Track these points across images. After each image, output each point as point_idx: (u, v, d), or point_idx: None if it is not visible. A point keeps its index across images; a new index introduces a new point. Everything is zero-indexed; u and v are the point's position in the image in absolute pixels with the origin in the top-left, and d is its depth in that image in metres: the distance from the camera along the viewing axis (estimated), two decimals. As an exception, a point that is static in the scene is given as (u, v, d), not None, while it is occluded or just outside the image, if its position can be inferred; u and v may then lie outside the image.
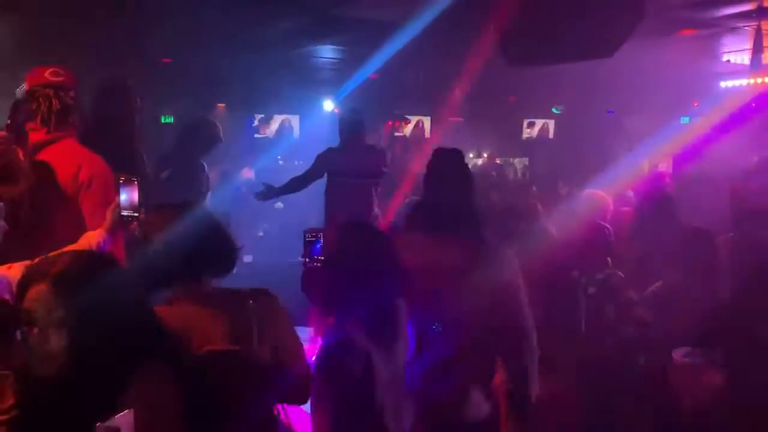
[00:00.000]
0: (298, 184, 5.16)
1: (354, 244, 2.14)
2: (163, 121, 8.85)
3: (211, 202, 5.03)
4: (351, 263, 2.08)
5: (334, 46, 7.62)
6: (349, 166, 4.90)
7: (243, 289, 1.98)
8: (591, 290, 3.42)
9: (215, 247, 1.96)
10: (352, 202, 4.79)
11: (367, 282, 2.04)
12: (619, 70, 7.17)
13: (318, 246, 2.21)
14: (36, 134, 2.73)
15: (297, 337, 2.02)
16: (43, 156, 2.72)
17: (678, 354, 2.09)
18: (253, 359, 1.84)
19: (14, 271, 2.14)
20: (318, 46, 7.55)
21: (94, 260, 1.68)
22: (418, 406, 2.25)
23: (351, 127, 5.02)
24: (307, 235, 2.29)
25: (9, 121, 2.86)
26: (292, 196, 5.86)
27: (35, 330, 1.50)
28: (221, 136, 5.01)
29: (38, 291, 1.53)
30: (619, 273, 3.55)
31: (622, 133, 8.82)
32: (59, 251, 1.73)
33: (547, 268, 3.26)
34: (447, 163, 2.54)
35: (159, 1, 5.30)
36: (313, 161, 5.13)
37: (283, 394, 1.95)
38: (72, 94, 2.78)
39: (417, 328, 2.33)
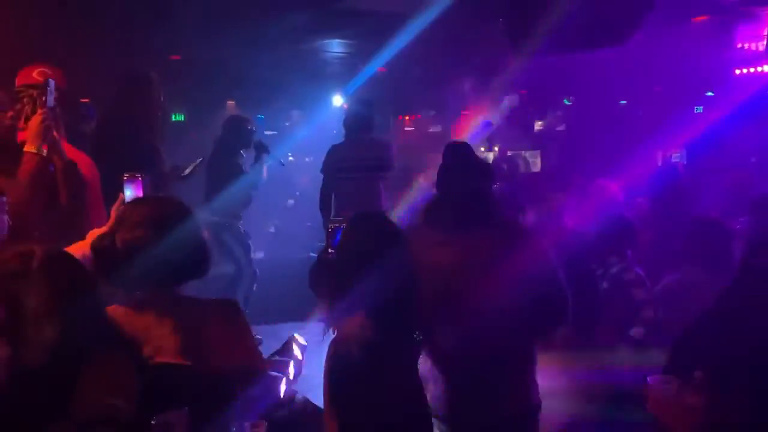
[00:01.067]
0: (327, 197, 5.06)
1: (362, 234, 2.11)
2: (174, 119, 8.88)
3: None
4: (358, 254, 2.05)
5: (342, 40, 7.59)
6: (355, 160, 4.87)
7: (207, 299, 1.95)
8: (605, 285, 3.37)
9: (188, 253, 1.92)
10: (359, 196, 4.75)
11: (374, 273, 2.00)
12: (631, 60, 7.08)
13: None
14: (22, 133, 2.74)
15: (258, 354, 2.03)
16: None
17: (653, 380, 2.03)
18: (203, 375, 1.82)
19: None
20: (326, 41, 7.52)
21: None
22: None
23: (355, 119, 4.99)
24: (330, 225, 2.29)
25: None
26: (302, 193, 5.93)
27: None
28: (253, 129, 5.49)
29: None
30: (636, 270, 3.48)
31: (635, 123, 8.72)
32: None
33: (565, 260, 3.22)
34: (460, 155, 2.49)
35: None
36: (322, 164, 5.08)
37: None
38: (56, 95, 2.77)
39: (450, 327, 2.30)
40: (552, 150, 10.86)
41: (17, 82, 2.86)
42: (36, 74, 2.83)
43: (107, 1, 5.14)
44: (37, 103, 2.70)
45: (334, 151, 4.99)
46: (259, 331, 5.19)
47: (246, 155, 5.53)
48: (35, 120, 2.57)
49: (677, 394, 2.02)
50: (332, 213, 5.00)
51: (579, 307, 2.96)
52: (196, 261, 1.96)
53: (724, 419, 1.91)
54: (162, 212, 1.94)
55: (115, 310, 1.87)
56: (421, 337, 2.15)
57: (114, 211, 2.42)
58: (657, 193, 4.91)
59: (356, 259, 2.04)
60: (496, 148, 11.08)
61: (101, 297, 1.73)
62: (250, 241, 5.59)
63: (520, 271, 2.27)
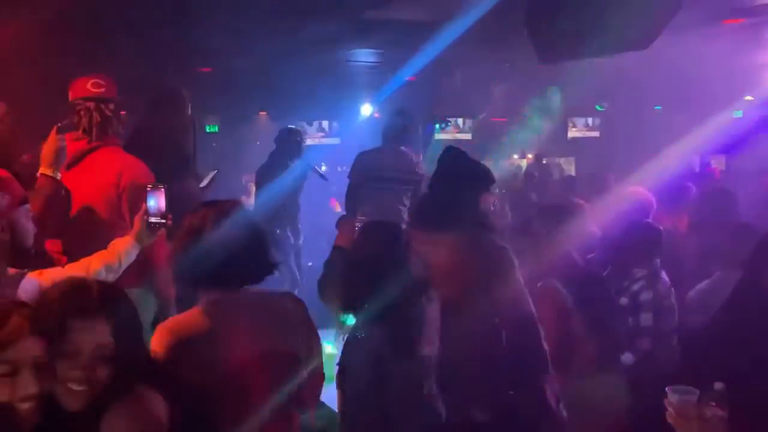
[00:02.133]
0: (352, 204, 5.01)
1: (372, 242, 2.11)
2: (208, 130, 9.07)
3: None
4: (369, 262, 2.05)
5: (371, 50, 7.63)
6: (383, 170, 4.84)
7: (272, 291, 1.98)
8: (623, 300, 3.30)
9: (255, 255, 1.94)
10: (384, 206, 4.71)
11: (384, 282, 2.00)
12: (665, 65, 6.94)
13: None
14: (78, 144, 2.84)
15: (319, 341, 2.02)
16: (85, 164, 2.84)
17: (673, 391, 1.97)
18: (282, 362, 1.85)
19: (45, 276, 2.20)
20: (355, 50, 7.57)
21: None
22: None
23: (389, 129, 4.98)
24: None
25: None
26: (323, 204, 6.05)
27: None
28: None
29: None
30: (663, 279, 3.40)
31: (672, 129, 8.55)
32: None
33: (587, 270, 3.16)
34: (445, 161, 2.52)
35: (197, 12, 5.40)
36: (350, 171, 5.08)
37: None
38: (111, 105, 2.87)
39: None
40: (587, 156, 10.72)
41: (71, 95, 2.95)
42: (90, 86, 2.91)
43: (141, 16, 5.26)
44: (87, 120, 2.80)
45: (363, 158, 4.98)
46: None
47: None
48: (50, 143, 2.63)
49: (698, 405, 1.96)
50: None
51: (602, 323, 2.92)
52: (262, 259, 1.98)
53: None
54: (230, 212, 1.96)
55: (192, 315, 1.90)
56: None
57: (137, 220, 2.48)
58: (697, 200, 4.81)
59: (366, 267, 2.05)
60: (530, 155, 10.99)
61: (145, 334, 1.71)
62: (291, 249, 5.69)
63: (490, 286, 2.25)
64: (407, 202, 4.84)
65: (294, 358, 1.89)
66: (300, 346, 1.91)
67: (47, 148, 2.62)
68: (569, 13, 3.30)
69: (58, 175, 2.63)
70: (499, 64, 8.12)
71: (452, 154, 2.63)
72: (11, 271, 2.11)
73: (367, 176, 4.87)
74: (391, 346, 1.98)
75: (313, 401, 2.04)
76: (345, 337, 2.06)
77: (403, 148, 4.92)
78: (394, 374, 1.98)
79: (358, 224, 2.34)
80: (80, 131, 2.89)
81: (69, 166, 2.83)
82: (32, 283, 2.12)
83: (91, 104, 2.87)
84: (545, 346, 2.41)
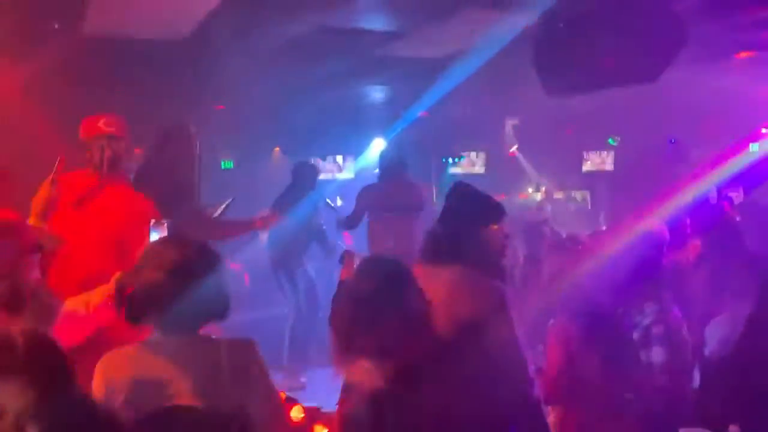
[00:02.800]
0: (350, 222, 5.35)
1: (371, 279, 2.06)
2: (223, 166, 9.16)
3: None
4: (366, 298, 2.00)
5: (382, 86, 7.71)
6: (388, 201, 5.03)
7: (222, 339, 1.94)
8: (635, 335, 3.22)
9: (206, 298, 1.90)
10: (393, 236, 4.84)
11: (381, 318, 1.95)
12: (680, 98, 6.92)
13: None
14: (89, 180, 2.87)
15: (274, 393, 1.98)
16: (96, 200, 2.87)
17: None
18: (218, 416, 1.79)
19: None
20: (366, 86, 7.65)
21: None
22: None
23: (388, 162, 5.19)
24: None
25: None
26: (336, 237, 6.11)
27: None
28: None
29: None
30: (669, 320, 3.32)
31: (687, 162, 8.47)
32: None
33: (600, 308, 3.10)
34: (452, 196, 2.56)
35: (212, 51, 5.51)
36: (355, 204, 5.29)
37: None
38: (122, 143, 2.92)
39: None
40: (602, 189, 10.64)
41: (82, 133, 3.01)
42: (102, 124, 2.98)
43: (154, 56, 5.38)
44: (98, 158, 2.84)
45: (367, 192, 5.16)
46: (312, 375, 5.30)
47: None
48: (41, 193, 2.64)
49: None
50: (368, 249, 5.16)
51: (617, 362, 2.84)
52: (214, 306, 1.95)
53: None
54: (179, 255, 1.94)
55: (128, 352, 1.89)
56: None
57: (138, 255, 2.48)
58: (708, 233, 4.75)
59: (366, 302, 2.00)
60: (543, 189, 10.94)
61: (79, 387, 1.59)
62: (303, 281, 5.71)
63: (462, 323, 2.20)
64: (417, 229, 4.95)
65: (222, 412, 1.81)
66: (233, 399, 1.83)
67: (37, 198, 2.64)
68: (575, 48, 3.31)
69: (45, 226, 2.64)
70: (512, 98, 8.15)
71: (459, 188, 2.64)
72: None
73: (373, 208, 5.05)
74: (391, 386, 1.92)
75: None
76: (344, 376, 2.00)
77: (405, 179, 5.17)
78: (394, 415, 1.92)
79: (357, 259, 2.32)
80: (91, 168, 2.94)
81: (79, 203, 2.86)
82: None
83: (103, 142, 2.92)
84: (532, 397, 2.36)
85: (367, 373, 1.94)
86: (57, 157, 2.91)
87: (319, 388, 4.13)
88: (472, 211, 2.46)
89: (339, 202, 9.23)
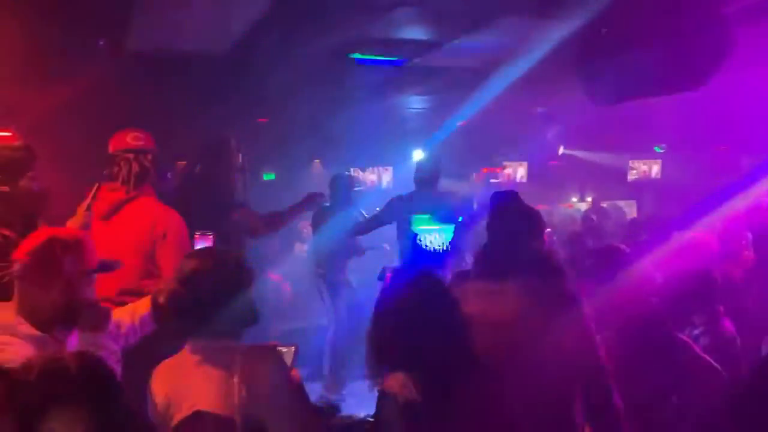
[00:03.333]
0: (365, 226, 5.38)
1: (404, 291, 2.01)
2: (264, 178, 9.27)
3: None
4: (398, 309, 1.97)
5: (422, 96, 7.69)
6: (418, 211, 4.95)
7: (241, 346, 1.95)
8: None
9: (235, 307, 1.93)
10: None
11: (417, 334, 1.91)
12: (731, 103, 6.71)
13: None
14: (116, 194, 2.92)
15: (297, 402, 1.98)
16: (123, 213, 2.91)
17: None
18: (237, 425, 1.81)
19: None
20: (406, 97, 7.65)
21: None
22: None
23: (421, 174, 5.14)
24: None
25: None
26: (375, 244, 6.10)
27: None
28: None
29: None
30: (718, 332, 3.19)
31: (737, 170, 8.21)
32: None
33: (642, 322, 3.01)
34: (505, 205, 2.44)
35: (252, 65, 5.59)
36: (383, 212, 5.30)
37: None
38: (149, 157, 2.97)
39: None
40: (649, 199, 10.40)
41: (111, 147, 3.07)
42: (130, 139, 3.03)
43: (198, 70, 5.48)
44: (126, 172, 2.90)
45: (398, 201, 5.12)
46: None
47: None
48: (77, 218, 2.72)
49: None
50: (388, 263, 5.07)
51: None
52: (241, 313, 1.97)
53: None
54: (209, 266, 1.97)
55: (169, 364, 1.96)
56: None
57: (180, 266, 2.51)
58: (761, 243, 4.58)
59: (399, 314, 1.97)
60: (589, 199, 10.74)
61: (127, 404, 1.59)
62: (344, 292, 5.74)
63: (552, 335, 2.12)
64: (448, 244, 4.91)
65: (226, 423, 1.83)
66: (237, 405, 1.85)
67: (73, 224, 2.72)
68: (620, 55, 3.23)
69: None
70: (554, 107, 8.04)
71: (505, 199, 2.53)
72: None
73: (404, 219, 4.98)
74: (425, 398, 1.87)
75: None
76: (378, 390, 1.97)
77: (439, 190, 5.11)
78: (428, 428, 1.89)
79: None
80: (119, 181, 2.98)
81: (107, 216, 2.91)
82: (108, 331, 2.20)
83: (131, 155, 2.97)
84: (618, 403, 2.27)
85: (401, 385, 1.90)
86: (97, 178, 2.98)
87: (359, 400, 4.12)
88: (524, 221, 2.39)
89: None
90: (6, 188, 2.58)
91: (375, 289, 2.24)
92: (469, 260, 6.10)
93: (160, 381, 1.95)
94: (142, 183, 2.97)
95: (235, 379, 1.86)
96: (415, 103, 7.98)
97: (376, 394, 1.97)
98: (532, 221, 2.41)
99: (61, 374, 1.45)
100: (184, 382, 1.90)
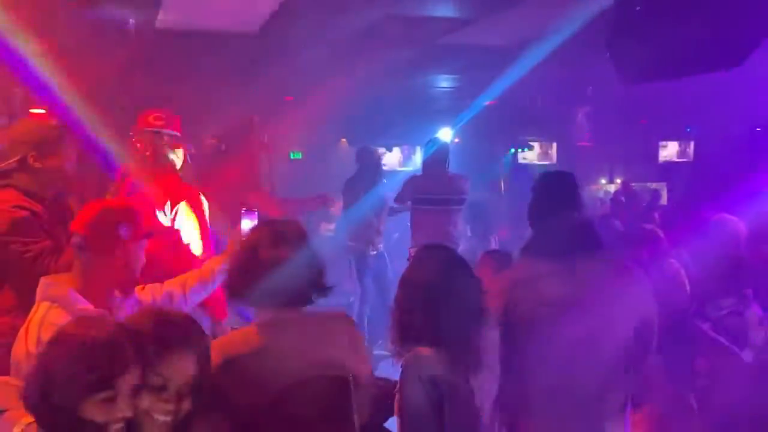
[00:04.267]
0: (397, 208, 5.60)
1: (429, 266, 2.07)
2: (292, 157, 9.31)
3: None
4: (425, 286, 2.02)
5: (449, 75, 7.61)
6: (433, 193, 5.16)
7: (324, 312, 1.98)
8: (706, 326, 3.07)
9: (309, 277, 1.94)
10: (435, 227, 5.03)
11: (442, 306, 1.97)
12: (763, 83, 6.52)
13: None
14: (137, 171, 2.97)
15: (368, 364, 2.03)
16: (142, 191, 2.96)
17: None
18: (330, 385, 1.84)
19: (145, 293, 2.31)
20: (434, 76, 7.58)
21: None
22: None
23: (433, 157, 5.31)
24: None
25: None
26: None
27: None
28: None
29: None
30: (746, 315, 3.15)
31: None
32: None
33: (667, 308, 2.98)
34: (559, 186, 2.44)
35: (280, 44, 5.58)
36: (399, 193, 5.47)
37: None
38: (165, 139, 3.02)
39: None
40: (680, 181, 10.21)
41: (137, 124, 3.13)
42: (151, 119, 3.09)
43: (227, 48, 5.49)
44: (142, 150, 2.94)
45: (412, 182, 5.30)
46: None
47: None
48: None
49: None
50: (411, 239, 5.32)
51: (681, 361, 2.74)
52: (320, 278, 1.98)
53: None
54: (291, 231, 1.99)
55: (245, 333, 1.92)
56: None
57: (231, 240, 2.55)
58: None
59: (423, 291, 2.02)
60: (618, 180, 10.58)
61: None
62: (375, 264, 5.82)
63: (624, 309, 2.19)
64: (458, 223, 5.24)
65: (342, 380, 1.87)
66: (348, 369, 1.90)
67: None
68: (653, 33, 3.14)
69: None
70: (584, 86, 7.91)
71: (556, 178, 2.53)
72: (118, 294, 2.22)
73: (418, 199, 5.20)
74: (448, 373, 1.93)
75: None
76: (402, 363, 2.01)
77: (450, 172, 5.31)
78: (451, 401, 1.92)
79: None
80: (139, 159, 3.04)
81: (130, 193, 2.96)
82: (134, 299, 2.27)
83: (149, 136, 3.03)
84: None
85: (424, 359, 1.95)
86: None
87: (384, 373, 4.18)
88: (576, 199, 2.38)
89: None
90: (39, 164, 2.63)
91: (403, 266, 2.27)
92: (494, 241, 6.11)
93: (235, 350, 1.86)
94: (158, 162, 3.03)
95: (347, 340, 1.92)
96: (443, 81, 7.91)
97: (399, 368, 2.01)
98: (581, 205, 2.40)
99: (172, 322, 1.63)
100: (272, 350, 1.85)
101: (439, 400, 1.90)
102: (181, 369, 1.57)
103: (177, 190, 3.03)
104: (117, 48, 4.56)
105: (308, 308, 1.97)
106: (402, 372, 1.99)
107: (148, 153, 3.05)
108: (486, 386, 2.12)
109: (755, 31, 3.06)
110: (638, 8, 3.44)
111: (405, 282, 2.10)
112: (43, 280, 2.12)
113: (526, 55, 5.91)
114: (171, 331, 1.60)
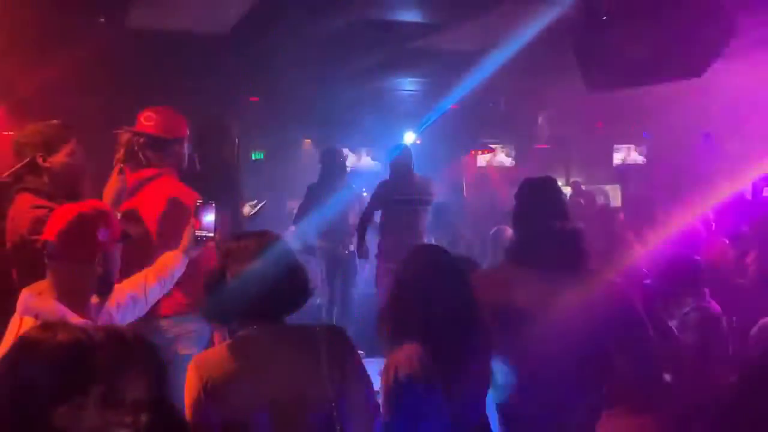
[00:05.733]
0: (366, 222, 5.59)
1: (421, 266, 2.11)
2: (253, 157, 9.22)
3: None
4: (417, 286, 2.05)
5: (415, 78, 7.71)
6: (404, 195, 5.33)
7: (311, 325, 1.92)
8: (673, 324, 3.22)
9: (291, 285, 1.91)
10: (406, 225, 5.27)
11: (433, 304, 2.01)
12: (715, 90, 6.81)
13: None
14: (137, 173, 2.93)
15: (366, 378, 1.94)
16: (143, 191, 2.92)
17: None
18: (320, 404, 1.79)
19: (111, 298, 2.27)
20: (399, 79, 7.66)
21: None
22: None
23: (401, 161, 5.48)
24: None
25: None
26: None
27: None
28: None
29: None
30: (706, 312, 3.32)
31: (721, 157, 8.35)
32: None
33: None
34: (547, 191, 2.42)
35: (249, 45, 5.57)
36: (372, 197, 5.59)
37: None
38: (142, 140, 2.93)
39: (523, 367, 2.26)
40: (632, 183, 10.55)
41: (136, 126, 3.06)
42: (142, 119, 3.03)
43: (195, 49, 5.45)
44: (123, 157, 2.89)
45: (384, 186, 5.49)
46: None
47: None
48: (112, 183, 2.72)
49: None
50: (380, 238, 5.54)
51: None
52: (299, 289, 1.94)
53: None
54: (266, 244, 1.94)
55: (221, 351, 1.87)
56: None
57: (185, 234, 2.52)
58: (750, 229, 4.70)
59: (415, 290, 2.05)
60: (572, 181, 10.86)
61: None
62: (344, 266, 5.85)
63: (605, 321, 2.22)
64: (425, 219, 5.47)
65: (324, 399, 1.80)
66: (332, 386, 1.82)
67: (109, 189, 2.72)
68: (623, 42, 3.28)
69: (118, 215, 2.68)
70: (544, 91, 8.10)
71: (544, 186, 2.48)
72: (94, 300, 2.16)
73: (390, 201, 5.37)
74: (438, 372, 1.96)
75: None
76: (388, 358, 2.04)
77: (417, 175, 5.49)
78: (443, 395, 1.96)
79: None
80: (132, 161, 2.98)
81: (130, 193, 2.92)
82: (107, 309, 2.21)
83: (129, 136, 2.98)
84: None
85: (407, 357, 1.97)
86: (106, 146, 2.97)
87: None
88: (564, 211, 2.37)
89: (365, 193, 9.29)
90: (49, 164, 2.61)
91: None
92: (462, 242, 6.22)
93: (212, 369, 1.80)
94: (136, 163, 2.96)
95: (323, 360, 1.83)
96: (409, 85, 8.00)
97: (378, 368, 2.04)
98: (568, 213, 2.40)
99: (123, 339, 1.52)
100: (250, 367, 1.80)
101: (418, 396, 1.94)
102: (136, 383, 1.46)
103: (176, 188, 2.96)
104: (86, 46, 4.47)
105: (294, 324, 1.93)
106: (385, 367, 2.00)
107: (119, 153, 2.98)
108: (469, 394, 2.11)
109: (715, 42, 3.22)
110: (605, 18, 3.58)
111: (398, 277, 2.13)
112: (24, 292, 2.06)
113: (490, 59, 6.05)
114: (123, 348, 1.50)
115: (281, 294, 1.88)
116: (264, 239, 1.95)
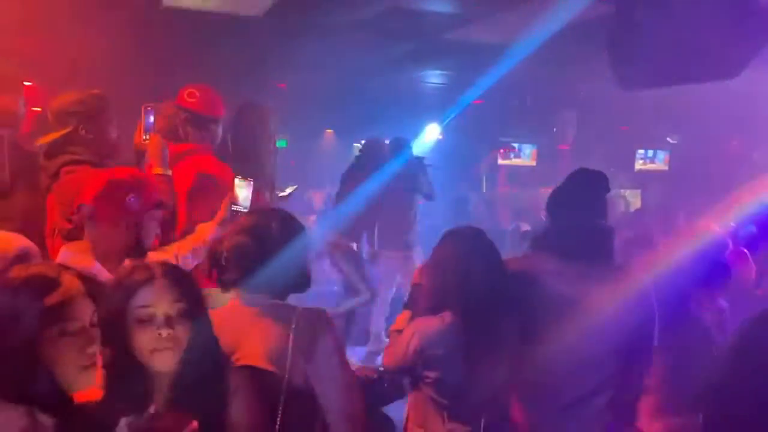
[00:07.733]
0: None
1: (457, 247, 2.23)
2: (276, 145, 9.24)
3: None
4: (453, 265, 2.18)
5: (441, 71, 7.68)
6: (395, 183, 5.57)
7: (300, 307, 1.96)
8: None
9: (289, 266, 1.95)
10: (396, 214, 5.75)
11: (466, 280, 2.14)
12: (743, 95, 6.72)
13: None
14: (176, 146, 2.97)
15: (344, 368, 1.96)
16: (181, 164, 2.95)
17: None
18: (286, 383, 1.84)
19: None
20: (425, 71, 7.63)
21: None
22: None
23: (396, 151, 5.77)
24: None
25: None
26: None
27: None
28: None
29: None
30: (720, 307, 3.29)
31: (748, 165, 8.24)
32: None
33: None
34: (602, 189, 2.43)
35: (280, 30, 5.57)
36: None
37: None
38: (183, 115, 2.97)
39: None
40: (654, 189, 10.44)
41: (177, 101, 3.09)
42: (185, 94, 3.07)
43: (227, 30, 5.46)
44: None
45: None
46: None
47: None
48: (154, 143, 2.74)
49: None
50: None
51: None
52: (296, 275, 1.99)
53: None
54: (267, 223, 1.99)
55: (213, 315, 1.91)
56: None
57: (223, 207, 2.58)
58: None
59: (452, 269, 2.18)
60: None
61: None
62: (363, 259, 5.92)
63: (625, 314, 2.23)
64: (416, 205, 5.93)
65: (284, 369, 1.85)
66: (296, 370, 1.87)
67: (154, 149, 2.73)
68: (658, 38, 3.23)
69: (169, 172, 2.74)
70: (571, 90, 8.04)
71: (592, 180, 2.49)
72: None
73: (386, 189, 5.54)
74: (472, 346, 2.12)
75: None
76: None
77: (413, 163, 5.77)
78: (473, 362, 2.12)
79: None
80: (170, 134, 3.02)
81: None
82: None
83: (171, 111, 3.02)
84: None
85: (443, 318, 2.16)
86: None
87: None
88: (602, 206, 2.40)
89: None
90: (92, 135, 2.64)
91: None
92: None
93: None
94: (197, 136, 3.01)
95: (291, 338, 1.87)
96: (434, 77, 7.97)
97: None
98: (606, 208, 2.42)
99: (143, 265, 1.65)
100: (236, 332, 1.87)
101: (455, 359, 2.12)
102: (162, 299, 1.58)
103: (210, 166, 2.99)
104: (121, 23, 4.50)
105: (283, 303, 1.98)
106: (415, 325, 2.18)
107: (179, 127, 3.01)
108: (495, 373, 2.18)
109: (754, 42, 3.17)
110: (641, 14, 3.52)
111: (439, 253, 2.25)
112: (63, 249, 2.11)
113: (517, 52, 5.98)
114: (141, 273, 1.62)
115: (279, 273, 1.93)
116: (269, 218, 2.02)
